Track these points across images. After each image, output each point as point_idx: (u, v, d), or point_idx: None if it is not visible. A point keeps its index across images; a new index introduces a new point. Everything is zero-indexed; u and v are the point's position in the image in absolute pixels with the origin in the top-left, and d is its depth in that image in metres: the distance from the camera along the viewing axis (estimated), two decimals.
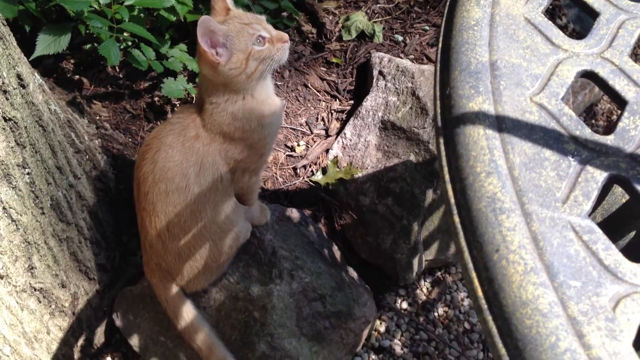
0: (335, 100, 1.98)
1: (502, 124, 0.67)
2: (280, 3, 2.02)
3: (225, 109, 1.12)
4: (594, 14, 0.82)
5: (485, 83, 0.71)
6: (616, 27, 0.79)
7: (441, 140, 0.69)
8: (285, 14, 2.11)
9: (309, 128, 1.90)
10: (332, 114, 1.94)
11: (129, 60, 1.67)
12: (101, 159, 1.62)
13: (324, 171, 1.78)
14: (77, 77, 1.82)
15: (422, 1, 2.29)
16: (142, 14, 1.66)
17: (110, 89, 1.83)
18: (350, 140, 1.79)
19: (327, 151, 1.83)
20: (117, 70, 1.86)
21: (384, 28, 2.15)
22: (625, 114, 0.69)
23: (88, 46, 1.81)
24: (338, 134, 1.85)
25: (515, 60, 0.74)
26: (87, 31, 1.63)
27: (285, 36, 1.11)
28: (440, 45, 0.79)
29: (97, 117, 1.75)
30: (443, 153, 0.68)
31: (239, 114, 1.13)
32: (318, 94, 1.99)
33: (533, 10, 0.81)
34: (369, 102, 1.81)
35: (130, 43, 1.72)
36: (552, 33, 0.78)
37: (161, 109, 1.84)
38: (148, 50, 1.69)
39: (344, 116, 1.93)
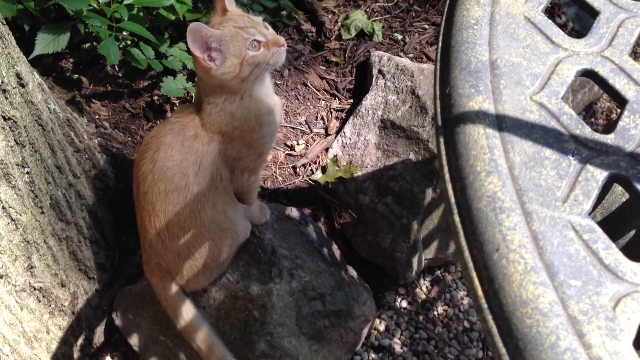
0: (335, 99, 1.97)
1: (502, 123, 0.67)
2: (279, 2, 2.01)
3: (223, 108, 1.12)
4: (593, 13, 0.82)
5: (485, 82, 0.70)
6: (616, 26, 0.79)
7: (441, 139, 0.69)
8: (284, 12, 2.11)
9: (309, 127, 1.90)
10: (331, 112, 1.94)
11: (128, 59, 1.66)
12: (100, 158, 1.62)
13: (324, 170, 1.78)
14: (76, 76, 1.82)
15: (421, 0, 2.29)
16: (141, 13, 1.66)
17: (109, 87, 1.83)
18: (350, 139, 1.78)
19: (326, 150, 1.83)
20: (117, 69, 1.86)
21: (383, 27, 2.15)
22: (626, 112, 0.69)
23: (87, 45, 1.80)
24: (337, 132, 1.85)
25: (515, 59, 0.74)
26: (86, 30, 1.63)
27: (282, 40, 1.08)
28: (440, 44, 0.79)
29: (97, 116, 1.75)
30: (443, 152, 0.68)
31: (238, 113, 1.13)
32: (317, 92, 1.99)
33: (533, 9, 0.81)
34: (368, 100, 1.81)
35: (129, 42, 1.72)
36: (552, 32, 0.78)
37: (160, 107, 1.84)
38: (147, 49, 1.69)
39: (344, 115, 1.93)
